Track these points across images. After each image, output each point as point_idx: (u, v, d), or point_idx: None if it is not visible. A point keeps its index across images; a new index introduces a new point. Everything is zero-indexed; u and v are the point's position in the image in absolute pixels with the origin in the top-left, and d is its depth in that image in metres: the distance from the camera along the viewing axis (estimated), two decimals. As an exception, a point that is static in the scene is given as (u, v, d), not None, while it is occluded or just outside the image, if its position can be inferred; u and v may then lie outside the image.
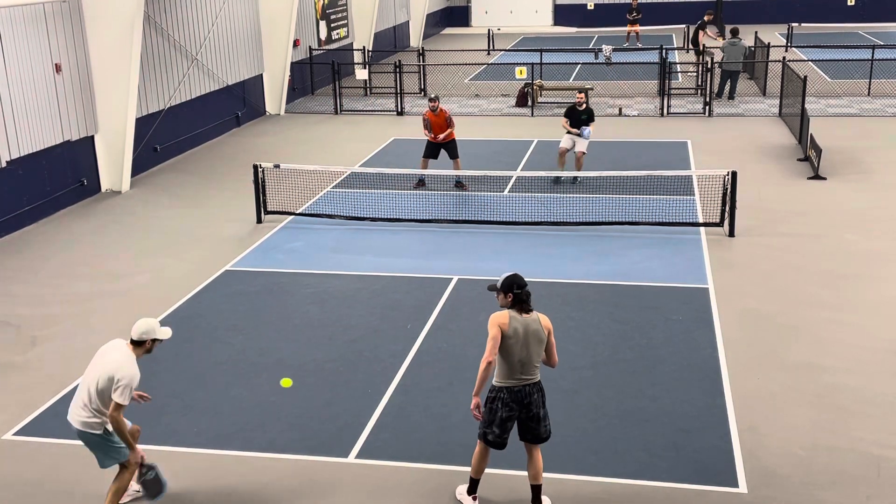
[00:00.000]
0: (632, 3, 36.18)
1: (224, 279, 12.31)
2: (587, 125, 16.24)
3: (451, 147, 16.34)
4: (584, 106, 16.24)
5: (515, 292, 6.86)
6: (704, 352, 9.81)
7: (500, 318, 6.79)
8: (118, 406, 6.64)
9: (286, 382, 7.63)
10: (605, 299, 11.29)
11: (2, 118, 14.15)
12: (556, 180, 16.35)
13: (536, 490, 7.12)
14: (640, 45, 34.30)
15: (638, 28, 35.89)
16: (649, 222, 14.00)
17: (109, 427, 6.83)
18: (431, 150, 16.33)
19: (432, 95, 16.40)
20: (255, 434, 8.38)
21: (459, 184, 16.35)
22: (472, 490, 7.25)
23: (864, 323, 10.50)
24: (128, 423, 6.93)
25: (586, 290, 11.61)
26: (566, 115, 16.42)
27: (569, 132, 16.29)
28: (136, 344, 6.90)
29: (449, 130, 16.18)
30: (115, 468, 7.11)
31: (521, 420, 6.97)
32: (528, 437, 7.06)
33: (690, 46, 28.82)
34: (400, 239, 13.75)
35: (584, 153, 16.19)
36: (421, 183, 16.42)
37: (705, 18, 29.20)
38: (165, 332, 7.03)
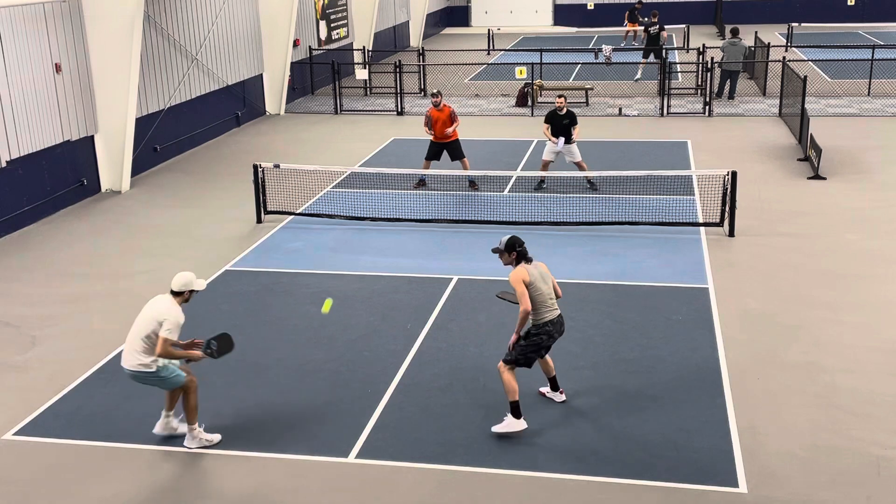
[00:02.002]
0: (636, 4, 36.19)
1: (224, 279, 12.31)
2: (570, 129, 15.61)
3: (454, 147, 16.19)
4: (565, 110, 15.66)
5: (518, 250, 8.26)
6: (704, 352, 9.81)
7: (521, 273, 8.15)
8: (165, 341, 7.67)
9: (327, 306, 8.64)
10: (605, 299, 11.29)
11: (2, 118, 14.15)
12: (539, 186, 16.13)
13: (553, 380, 8.78)
14: (635, 44, 34.31)
15: (637, 28, 35.89)
16: (649, 222, 14.00)
17: (160, 364, 7.83)
18: (434, 152, 16.24)
19: (435, 90, 16.33)
20: (255, 434, 8.38)
21: (472, 183, 16.22)
22: (518, 413, 8.18)
23: (864, 323, 10.50)
24: (175, 346, 7.88)
25: (586, 290, 11.61)
26: (547, 120, 15.80)
27: (550, 140, 15.74)
28: (177, 294, 7.91)
29: (454, 127, 16.04)
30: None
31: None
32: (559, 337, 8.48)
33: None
34: (400, 239, 13.75)
35: (580, 162, 15.79)
36: (422, 183, 16.39)
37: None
38: (201, 284, 8.10)
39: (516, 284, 8.09)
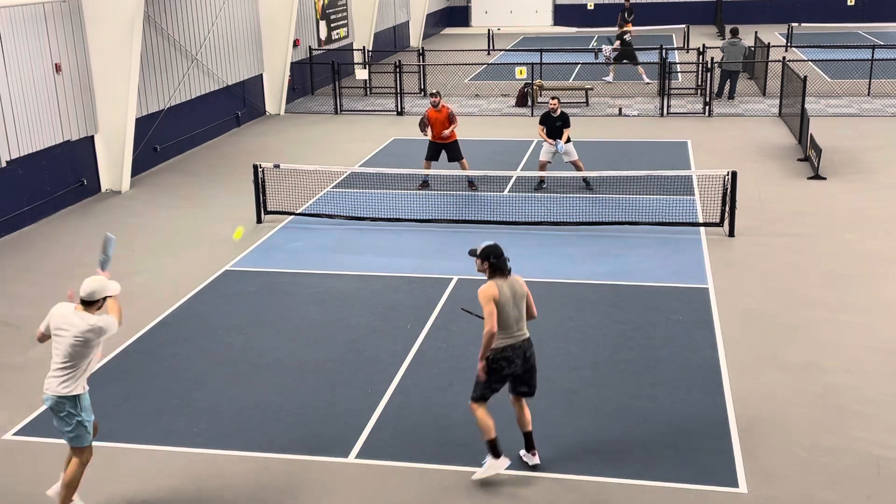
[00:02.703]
0: (625, 3, 36.27)
1: (224, 279, 12.31)
2: (563, 131, 15.59)
3: (452, 149, 16.15)
4: (559, 112, 15.59)
5: (492, 262, 7.44)
6: (704, 352, 9.81)
7: (492, 290, 7.34)
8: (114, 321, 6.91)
9: (238, 233, 8.45)
10: (605, 299, 11.29)
11: (2, 118, 14.15)
12: (539, 186, 16.14)
13: (528, 436, 7.75)
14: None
15: (631, 28, 35.96)
16: (649, 222, 14.00)
17: (82, 393, 6.89)
18: (433, 152, 16.22)
19: (433, 91, 16.30)
20: (255, 434, 8.38)
21: (472, 184, 16.20)
22: (497, 452, 7.51)
23: (864, 323, 10.50)
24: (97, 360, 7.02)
25: (586, 290, 11.61)
26: (541, 122, 15.83)
27: (546, 141, 15.76)
28: (88, 304, 6.91)
29: (452, 129, 16.03)
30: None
31: (519, 374, 7.53)
32: (524, 389, 7.63)
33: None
34: (400, 239, 13.75)
35: (577, 161, 15.81)
36: (425, 184, 16.36)
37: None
38: (115, 287, 7.08)
39: (485, 302, 7.29)
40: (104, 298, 6.98)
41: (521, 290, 7.49)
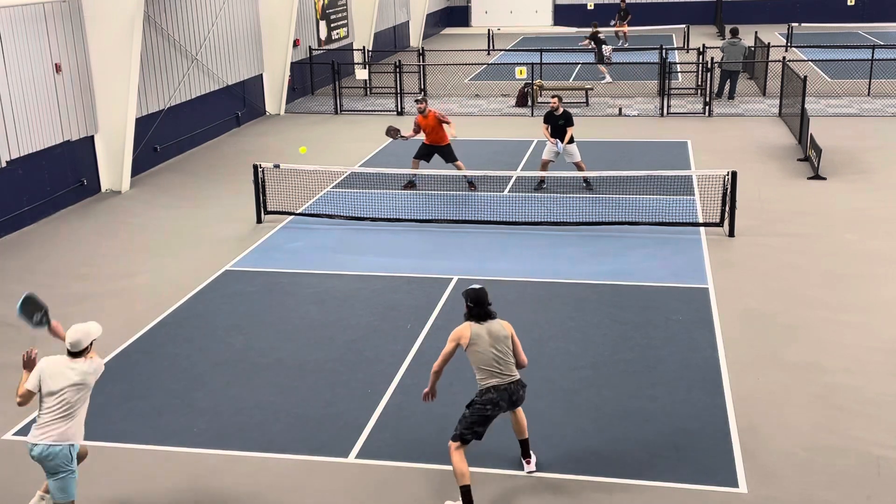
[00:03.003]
0: (621, 3, 36.46)
1: (224, 279, 12.31)
2: (566, 129, 15.61)
3: (445, 152, 16.06)
4: (561, 111, 15.60)
5: (469, 305, 7.34)
6: (704, 352, 9.81)
7: (461, 332, 7.27)
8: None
9: (303, 150, 8.65)
10: (605, 299, 11.29)
11: (2, 118, 14.15)
12: (539, 185, 16.14)
13: (525, 444, 7.69)
14: (627, 45, 34.72)
15: (626, 28, 36.12)
16: (649, 222, 14.00)
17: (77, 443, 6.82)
18: (424, 152, 16.18)
19: (419, 97, 16.08)
20: (255, 434, 8.38)
21: (471, 184, 16.16)
22: (468, 500, 7.06)
23: (864, 323, 10.50)
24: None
25: (586, 290, 11.61)
26: (545, 120, 15.88)
27: (548, 140, 15.79)
28: (77, 354, 6.78)
29: (451, 130, 15.97)
30: None
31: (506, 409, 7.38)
32: (512, 408, 7.45)
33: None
34: (400, 239, 13.75)
35: (579, 162, 15.83)
36: (411, 184, 16.28)
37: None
38: (98, 329, 6.94)
39: (449, 340, 7.29)
40: (91, 343, 6.85)
41: (501, 332, 7.28)
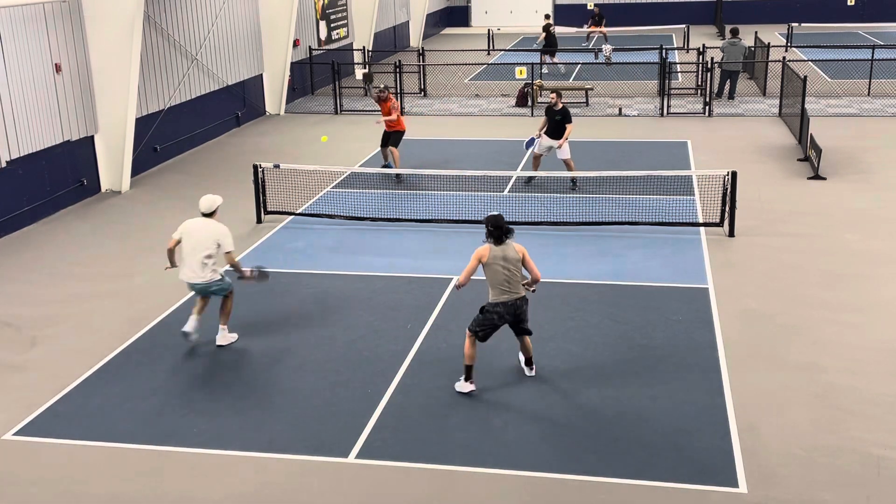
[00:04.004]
0: (595, 9, 36.89)
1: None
2: (564, 126, 15.72)
3: (394, 137, 17.12)
4: (560, 106, 15.75)
5: (489, 229, 8.80)
6: (704, 352, 9.81)
7: (482, 251, 8.76)
8: (231, 254, 9.89)
9: (324, 139, 10.89)
10: (605, 299, 11.29)
11: (2, 118, 14.15)
12: (529, 181, 16.30)
13: (529, 359, 9.30)
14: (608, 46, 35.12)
15: (603, 29, 36.30)
16: (649, 222, 14.00)
17: (220, 274, 9.93)
18: (384, 138, 17.28)
19: (381, 87, 17.33)
20: (255, 434, 8.38)
21: (387, 166, 17.14)
22: (469, 377, 8.95)
23: (864, 323, 10.50)
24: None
25: (586, 290, 11.61)
26: (545, 114, 16.15)
27: (539, 134, 16.09)
28: (210, 215, 9.90)
29: (394, 118, 16.93)
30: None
31: (512, 324, 8.92)
32: (520, 332, 9.09)
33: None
34: (400, 239, 13.75)
35: (567, 159, 15.90)
36: (397, 177, 17.04)
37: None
38: (220, 199, 10.06)
39: (472, 258, 8.76)
40: (217, 209, 9.91)
41: (513, 255, 8.74)
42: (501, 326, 8.86)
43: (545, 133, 16.03)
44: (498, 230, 8.73)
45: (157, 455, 8.09)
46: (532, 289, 8.99)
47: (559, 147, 15.82)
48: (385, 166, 17.12)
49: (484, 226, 8.86)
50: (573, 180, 15.99)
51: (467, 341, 8.89)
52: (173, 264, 10.23)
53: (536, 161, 16.07)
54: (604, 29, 35.91)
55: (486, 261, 8.69)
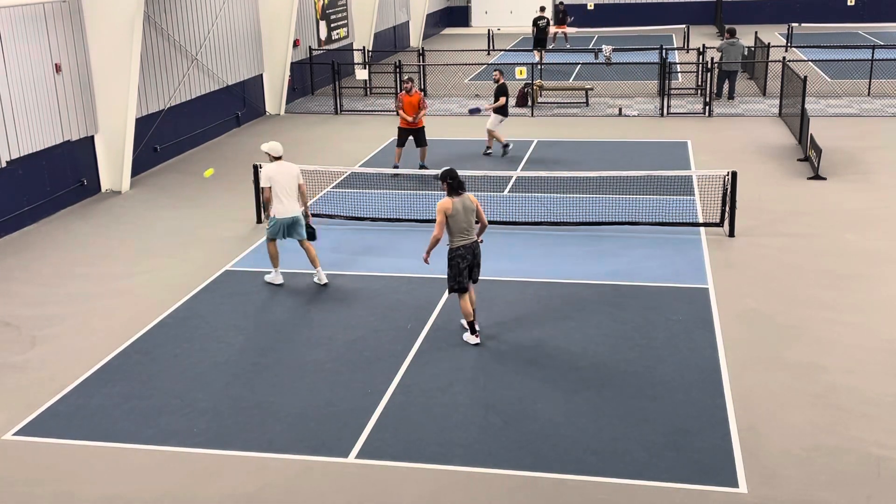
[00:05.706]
0: (559, 6, 37.01)
1: (224, 279, 12.31)
2: (497, 99, 18.08)
3: (419, 134, 17.17)
4: (501, 82, 18.21)
5: (449, 182, 9.70)
6: (704, 352, 9.81)
7: (445, 205, 9.65)
8: (303, 184, 11.74)
9: (208, 172, 12.56)
10: (605, 299, 11.29)
11: (2, 118, 14.15)
12: (505, 149, 18.49)
13: (472, 324, 9.99)
14: (568, 46, 35.36)
15: (566, 29, 36.38)
16: (649, 222, 14.00)
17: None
18: (401, 138, 17.18)
19: (406, 77, 17.45)
20: (255, 434, 8.38)
21: (423, 167, 17.07)
22: (473, 330, 9.98)
23: (864, 323, 10.50)
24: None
25: (586, 290, 11.61)
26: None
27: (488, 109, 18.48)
28: (280, 157, 11.70)
29: (422, 113, 17.00)
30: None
31: (470, 266, 9.87)
32: (473, 278, 10.01)
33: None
34: (400, 239, 13.76)
35: (490, 129, 18.21)
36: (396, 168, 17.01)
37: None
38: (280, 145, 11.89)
39: (438, 213, 9.60)
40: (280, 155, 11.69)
41: (470, 205, 9.79)
42: (465, 270, 9.79)
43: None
44: (456, 181, 9.67)
45: (157, 455, 8.09)
46: (480, 239, 10.06)
47: (486, 110, 18.43)
48: (421, 167, 17.14)
49: (441, 180, 9.74)
50: (489, 147, 18.51)
51: (460, 302, 9.91)
52: (269, 214, 11.63)
53: (491, 136, 18.40)
54: (566, 28, 36.01)
55: (451, 212, 9.59)
